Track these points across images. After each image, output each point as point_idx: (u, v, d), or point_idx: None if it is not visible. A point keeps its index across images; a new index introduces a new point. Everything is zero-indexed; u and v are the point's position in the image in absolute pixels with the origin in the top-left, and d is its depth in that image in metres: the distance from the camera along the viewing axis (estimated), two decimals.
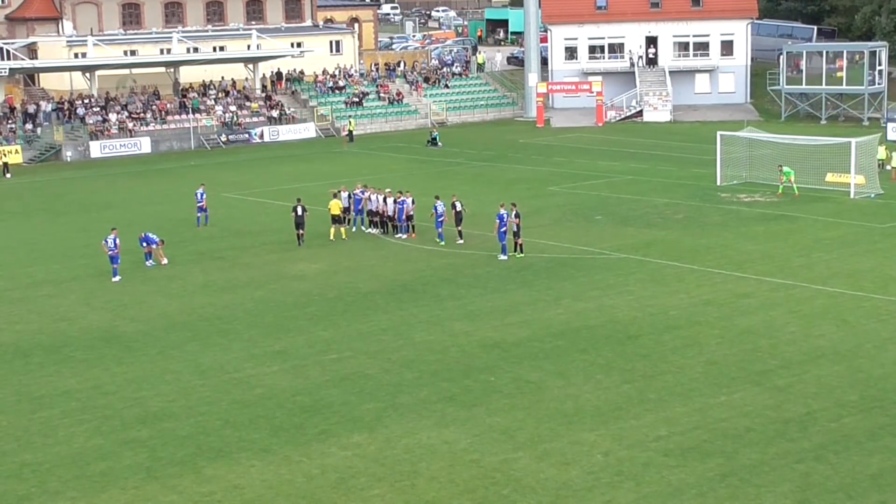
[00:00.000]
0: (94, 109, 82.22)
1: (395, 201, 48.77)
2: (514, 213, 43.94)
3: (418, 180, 62.02)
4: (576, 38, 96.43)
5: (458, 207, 46.79)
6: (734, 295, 37.69)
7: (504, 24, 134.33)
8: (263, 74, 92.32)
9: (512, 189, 58.92)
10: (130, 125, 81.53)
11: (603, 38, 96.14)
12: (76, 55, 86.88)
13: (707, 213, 52.10)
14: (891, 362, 30.60)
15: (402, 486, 23.63)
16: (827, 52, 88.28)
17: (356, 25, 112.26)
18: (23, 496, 23.75)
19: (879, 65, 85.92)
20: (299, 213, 47.22)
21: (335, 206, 48.33)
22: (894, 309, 35.55)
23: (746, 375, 29.77)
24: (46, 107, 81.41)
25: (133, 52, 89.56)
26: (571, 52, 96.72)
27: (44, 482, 24.39)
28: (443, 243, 46.39)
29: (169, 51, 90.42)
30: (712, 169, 60.54)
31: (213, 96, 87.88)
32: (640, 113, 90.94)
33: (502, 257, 43.66)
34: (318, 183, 61.45)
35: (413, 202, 48.47)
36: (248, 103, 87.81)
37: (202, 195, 52.63)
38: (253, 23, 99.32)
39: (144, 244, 44.47)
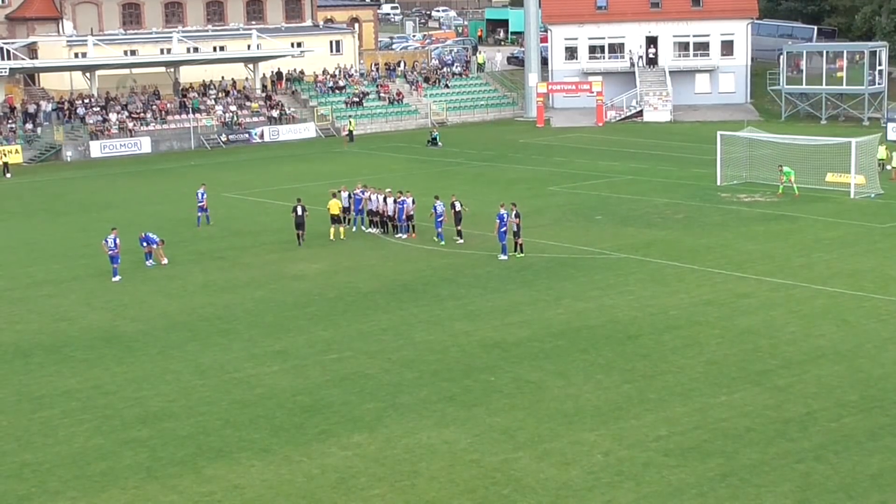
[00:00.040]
0: (95, 109, 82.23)
1: (395, 201, 48.77)
2: (514, 212, 43.94)
3: (418, 180, 62.02)
4: (576, 38, 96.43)
5: (458, 207, 46.81)
6: (734, 295, 37.69)
7: (504, 24, 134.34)
8: (263, 74, 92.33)
9: (512, 189, 58.93)
10: (130, 125, 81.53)
11: (603, 38, 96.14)
12: (76, 55, 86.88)
13: (707, 213, 52.10)
14: (891, 362, 30.61)
15: (402, 486, 23.64)
16: (827, 52, 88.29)
17: (356, 25, 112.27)
18: (23, 496, 23.76)
19: (879, 65, 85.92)
20: (299, 213, 47.21)
21: (334, 206, 48.32)
22: (894, 309, 35.56)
23: (746, 375, 29.77)
24: (46, 106, 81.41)
25: (133, 52, 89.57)
26: (571, 52, 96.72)
27: (44, 482, 24.39)
28: (443, 243, 46.40)
29: (169, 51, 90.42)
30: (712, 169, 60.54)
31: (214, 96, 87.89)
32: (640, 113, 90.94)
33: (502, 257, 43.66)
34: (318, 183, 61.45)
35: (413, 202, 48.47)
36: (248, 103, 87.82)
37: (203, 195, 52.62)
38: (253, 23, 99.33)
39: (144, 244, 44.48)
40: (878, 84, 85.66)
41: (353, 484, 23.81)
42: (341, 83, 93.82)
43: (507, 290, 39.23)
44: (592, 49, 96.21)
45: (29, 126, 79.27)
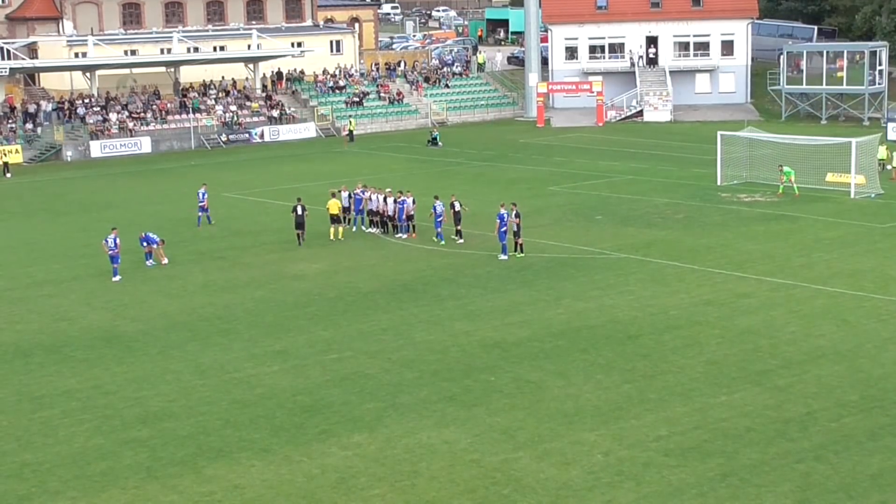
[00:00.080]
0: (95, 109, 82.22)
1: (395, 201, 48.78)
2: (514, 212, 43.94)
3: (419, 180, 62.02)
4: (576, 38, 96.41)
5: (457, 207, 46.81)
6: (734, 295, 37.70)
7: (504, 23, 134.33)
8: (264, 74, 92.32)
9: (512, 189, 58.93)
10: (131, 125, 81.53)
11: (603, 38, 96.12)
12: (76, 55, 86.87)
13: (707, 212, 52.09)
14: (891, 362, 30.60)
15: (402, 486, 23.64)
16: (827, 52, 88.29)
17: (356, 25, 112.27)
18: (23, 496, 23.76)
19: (880, 65, 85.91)
20: (299, 212, 47.21)
21: (334, 206, 48.32)
22: (894, 309, 35.56)
23: (747, 375, 29.77)
24: (47, 106, 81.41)
25: (133, 52, 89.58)
26: (572, 52, 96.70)
27: (44, 482, 24.39)
28: (442, 242, 46.41)
29: (169, 50, 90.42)
30: (713, 169, 60.54)
31: (214, 96, 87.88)
32: (640, 113, 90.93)
33: (502, 257, 43.66)
34: (318, 183, 61.43)
35: (413, 202, 48.48)
36: (248, 103, 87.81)
37: (204, 195, 52.62)
38: (253, 22, 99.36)
39: (145, 244, 44.48)
40: (879, 84, 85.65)
41: (354, 484, 23.81)
42: (341, 83, 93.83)
43: (508, 290, 39.23)
44: (593, 49, 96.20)
45: (29, 126, 79.28)
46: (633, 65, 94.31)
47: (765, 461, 24.30)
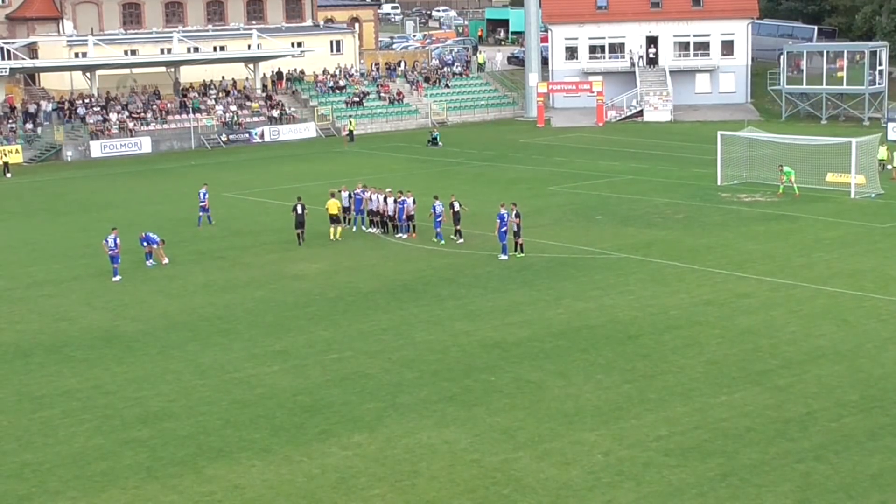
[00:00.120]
0: (95, 109, 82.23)
1: (395, 201, 48.78)
2: (514, 212, 43.94)
3: (419, 180, 62.02)
4: (576, 38, 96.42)
5: (457, 207, 46.82)
6: (735, 295, 37.70)
7: (504, 23, 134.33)
8: (264, 74, 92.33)
9: (512, 189, 58.93)
10: (131, 125, 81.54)
11: (603, 38, 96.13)
12: (76, 55, 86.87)
13: (707, 212, 52.10)
14: (891, 362, 30.61)
15: (402, 486, 23.64)
16: (827, 52, 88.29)
17: (356, 25, 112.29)
18: (23, 496, 23.76)
19: (880, 65, 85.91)
20: (299, 211, 47.21)
21: (333, 206, 48.32)
22: (894, 309, 35.56)
23: (747, 375, 29.78)
24: (47, 106, 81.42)
25: (133, 52, 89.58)
26: (572, 52, 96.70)
27: (44, 482, 24.39)
28: (442, 242, 46.42)
29: (169, 50, 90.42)
30: (713, 169, 60.54)
31: (214, 96, 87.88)
32: (640, 113, 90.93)
33: (503, 257, 43.66)
34: (318, 183, 61.43)
35: (414, 202, 48.48)
36: (248, 103, 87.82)
37: (205, 195, 52.61)
38: (253, 22, 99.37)
39: (145, 244, 44.49)
40: (879, 84, 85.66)
41: (354, 484, 23.82)
42: (342, 83, 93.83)
43: (508, 289, 39.23)
44: (593, 49, 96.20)
45: (29, 126, 79.28)
46: (633, 65, 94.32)
47: (765, 461, 24.30)
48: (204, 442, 26.30)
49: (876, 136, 59.28)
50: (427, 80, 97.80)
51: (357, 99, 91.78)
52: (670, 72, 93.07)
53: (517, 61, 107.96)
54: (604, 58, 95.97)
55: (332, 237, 47.95)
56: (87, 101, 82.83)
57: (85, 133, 79.67)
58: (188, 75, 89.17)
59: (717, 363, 30.81)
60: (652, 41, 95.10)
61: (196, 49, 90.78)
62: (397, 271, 42.42)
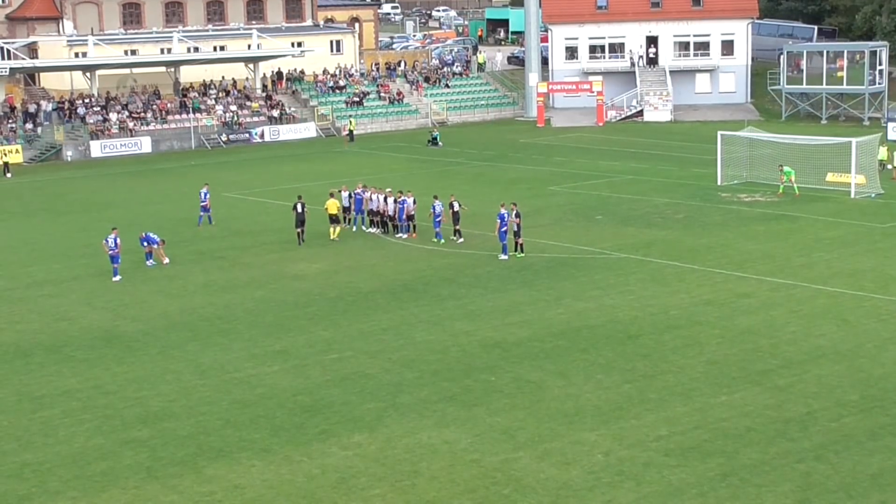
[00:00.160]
0: (95, 109, 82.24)
1: (395, 201, 48.79)
2: (514, 212, 43.93)
3: (419, 180, 62.03)
4: (576, 38, 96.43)
5: (456, 207, 46.82)
6: (735, 295, 37.70)
7: (504, 23, 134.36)
8: (264, 74, 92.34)
9: (512, 189, 58.93)
10: (131, 125, 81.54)
11: (603, 38, 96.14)
12: (76, 55, 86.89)
13: (707, 212, 52.10)
14: (891, 362, 30.60)
15: (402, 486, 23.64)
16: (827, 52, 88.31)
17: (356, 25, 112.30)
18: (23, 496, 23.76)
19: (880, 64, 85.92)
20: (300, 210, 47.21)
21: (332, 206, 48.31)
22: (894, 309, 35.56)
23: (747, 375, 29.77)
24: (47, 106, 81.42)
25: (133, 52, 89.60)
26: (572, 52, 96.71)
27: (44, 482, 24.39)
28: (442, 242, 46.42)
29: (169, 50, 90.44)
30: (713, 169, 60.55)
31: (214, 96, 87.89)
32: (640, 113, 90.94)
33: (503, 257, 43.66)
34: (318, 182, 61.45)
35: (414, 202, 48.47)
36: (248, 103, 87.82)
37: (206, 195, 52.61)
38: (253, 22, 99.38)
39: (145, 244, 44.49)
40: (879, 84, 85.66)
41: (354, 484, 23.81)
42: (342, 83, 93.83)
43: (508, 289, 39.23)
44: (593, 49, 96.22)
45: (29, 126, 79.29)
46: (633, 65, 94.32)
47: (765, 461, 24.30)
48: (204, 442, 26.30)
49: (876, 136, 59.28)
50: (427, 79, 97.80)
51: (357, 99, 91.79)
52: (670, 72, 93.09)
53: (517, 61, 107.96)
54: (604, 58, 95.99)
55: (331, 237, 47.94)
56: (87, 100, 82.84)
57: (85, 133, 79.68)
58: (188, 75, 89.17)
59: (717, 363, 30.81)
60: (652, 41, 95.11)
61: (196, 49, 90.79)
62: (397, 271, 42.42)
